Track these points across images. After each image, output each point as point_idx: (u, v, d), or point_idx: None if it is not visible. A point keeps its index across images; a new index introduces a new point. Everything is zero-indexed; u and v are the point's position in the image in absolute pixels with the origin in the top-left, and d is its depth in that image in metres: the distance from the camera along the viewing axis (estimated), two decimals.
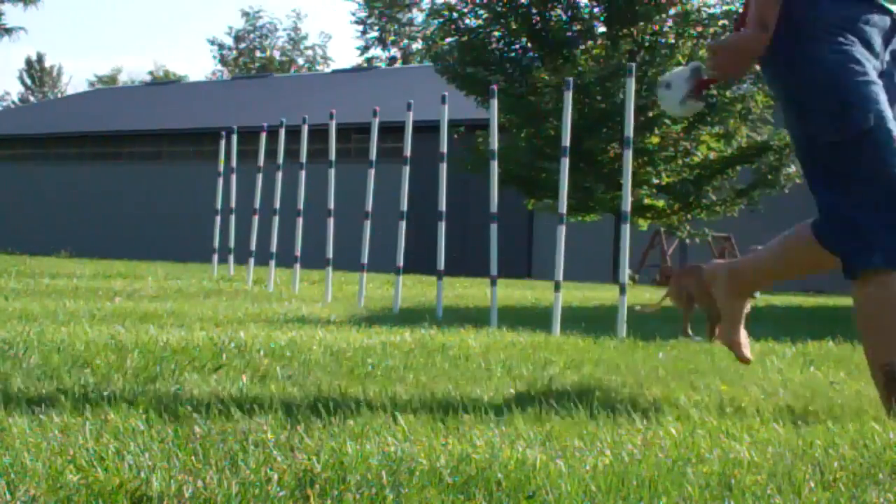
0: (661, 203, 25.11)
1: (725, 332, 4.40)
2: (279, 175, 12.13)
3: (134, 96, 50.80)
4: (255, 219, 12.75)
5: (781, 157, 24.84)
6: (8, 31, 50.81)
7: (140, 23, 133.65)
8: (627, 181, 7.56)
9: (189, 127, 40.31)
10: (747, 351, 4.44)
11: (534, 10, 25.26)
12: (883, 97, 3.90)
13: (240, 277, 13.36)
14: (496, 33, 25.61)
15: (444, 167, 9.08)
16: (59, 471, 2.62)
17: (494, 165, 8.38)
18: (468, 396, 3.93)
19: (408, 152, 9.56)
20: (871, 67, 3.94)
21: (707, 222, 26.44)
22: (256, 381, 4.07)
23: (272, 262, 12.30)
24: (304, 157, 11.58)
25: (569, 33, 25.14)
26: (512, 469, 2.79)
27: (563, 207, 7.81)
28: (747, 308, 4.39)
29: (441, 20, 25.91)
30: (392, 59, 67.17)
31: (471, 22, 25.63)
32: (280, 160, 12.06)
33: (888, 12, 4.02)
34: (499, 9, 25.20)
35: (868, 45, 3.96)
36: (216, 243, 14.69)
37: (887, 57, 4.04)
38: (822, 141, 3.89)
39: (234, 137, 13.88)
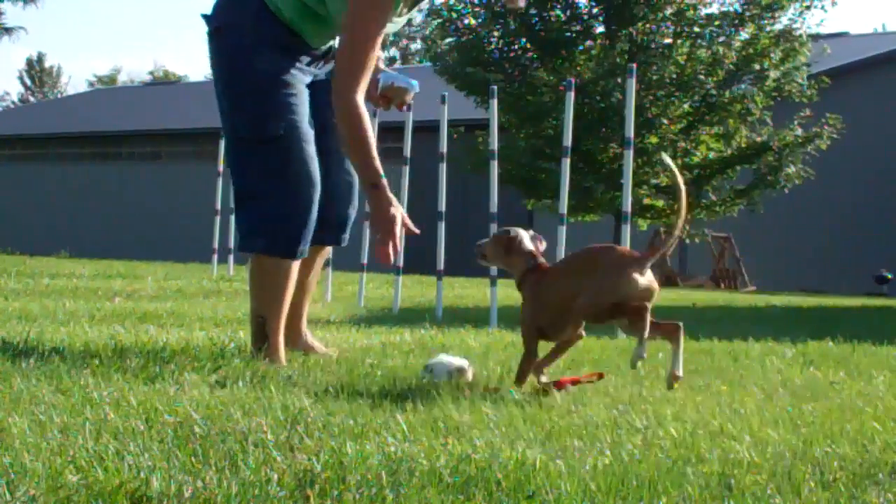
0: (660, 203, 25.08)
1: None
2: None
3: (133, 96, 50.78)
4: None
5: (781, 157, 24.83)
6: (8, 30, 50.79)
7: (140, 23, 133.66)
8: (628, 181, 7.56)
9: (188, 127, 40.27)
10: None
11: (532, 10, 25.24)
12: (302, 110, 4.61)
13: (240, 277, 13.35)
14: (495, 33, 25.58)
15: (443, 167, 9.08)
16: (58, 471, 2.62)
17: (494, 165, 8.37)
18: (468, 396, 3.92)
19: (408, 152, 9.55)
20: (300, 80, 4.65)
21: (707, 222, 26.43)
22: (256, 381, 4.06)
23: None
24: None
25: (567, 33, 25.13)
26: (512, 469, 2.79)
27: (564, 208, 7.81)
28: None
29: (440, 20, 25.89)
30: (391, 60, 67.19)
31: (470, 22, 25.60)
32: None
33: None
34: (497, 8, 25.17)
35: (298, 60, 4.65)
36: (216, 243, 14.68)
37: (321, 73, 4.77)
38: (243, 135, 4.61)
39: None
